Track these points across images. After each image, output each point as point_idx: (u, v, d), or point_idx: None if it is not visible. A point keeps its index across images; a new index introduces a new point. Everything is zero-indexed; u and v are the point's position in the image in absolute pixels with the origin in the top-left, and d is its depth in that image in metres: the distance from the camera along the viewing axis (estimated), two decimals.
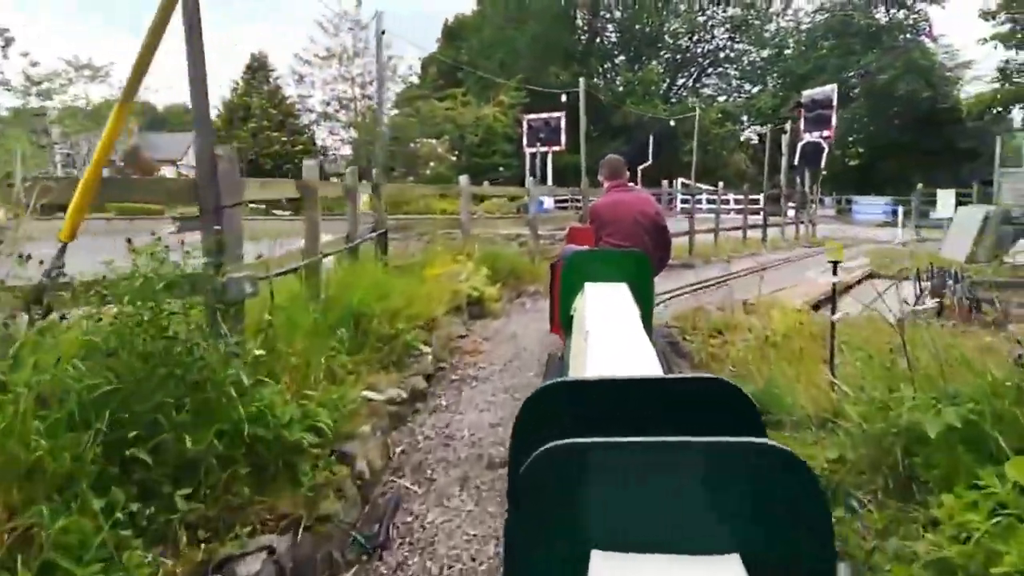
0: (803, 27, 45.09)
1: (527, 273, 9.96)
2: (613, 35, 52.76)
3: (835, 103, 21.68)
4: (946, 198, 20.71)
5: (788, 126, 22.85)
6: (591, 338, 2.67)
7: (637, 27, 50.57)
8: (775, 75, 46.36)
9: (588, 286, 4.07)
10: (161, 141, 55.57)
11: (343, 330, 4.90)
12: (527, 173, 30.21)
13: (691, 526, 1.31)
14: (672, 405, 1.65)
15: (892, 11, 39.69)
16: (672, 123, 43.19)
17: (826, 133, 21.60)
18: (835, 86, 22.30)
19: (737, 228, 18.71)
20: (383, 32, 7.77)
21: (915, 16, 39.28)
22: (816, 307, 10.29)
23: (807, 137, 21.98)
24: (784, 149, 22.32)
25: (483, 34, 47.29)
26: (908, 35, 39.19)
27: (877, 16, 39.34)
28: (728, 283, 12.08)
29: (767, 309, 9.30)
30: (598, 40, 50.91)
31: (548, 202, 28.90)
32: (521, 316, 8.18)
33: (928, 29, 38.67)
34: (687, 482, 1.31)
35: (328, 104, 30.04)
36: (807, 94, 22.49)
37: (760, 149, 47.66)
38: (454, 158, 29.55)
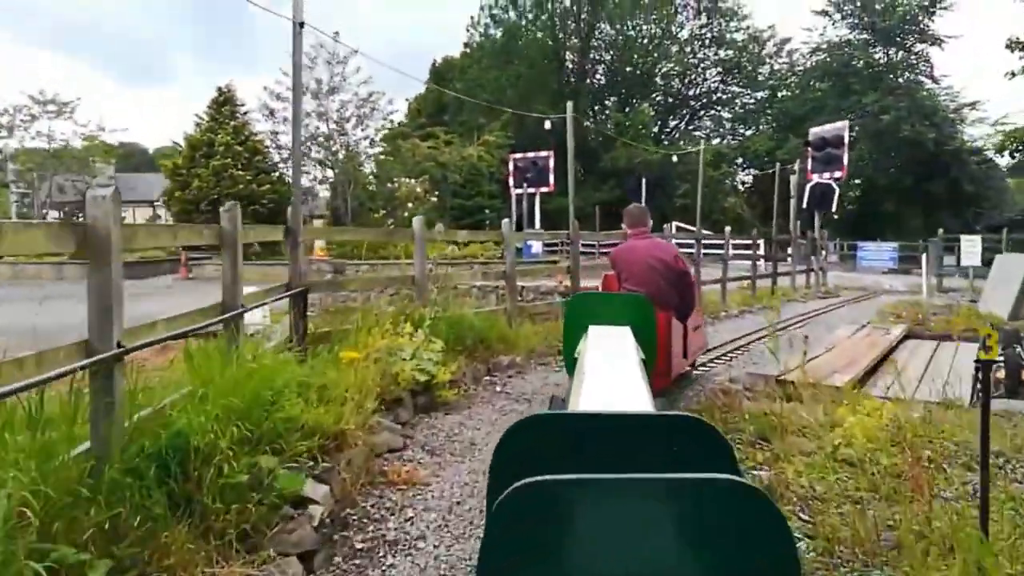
0: (798, 68, 43.89)
1: (500, 341, 7.81)
2: (603, 77, 51.62)
3: (847, 141, 19.87)
4: (971, 245, 18.83)
5: (796, 166, 21.06)
6: (586, 378, 2.67)
7: (628, 69, 49.41)
8: (770, 117, 45.04)
9: (592, 329, 4.04)
10: (138, 182, 53.79)
11: (143, 493, 2.74)
12: (513, 216, 28.40)
13: (661, 561, 1.32)
14: (648, 441, 1.66)
15: (891, 51, 38.50)
16: (664, 163, 41.64)
17: (837, 174, 19.76)
18: (847, 123, 20.51)
19: (744, 278, 16.68)
20: (302, 24, 5.83)
21: (915, 56, 38.09)
22: (863, 380, 8.22)
23: (815, 178, 20.12)
24: (793, 191, 20.48)
25: (469, 75, 45.97)
26: (909, 75, 37.96)
27: (877, 56, 38.09)
28: (750, 348, 9.99)
29: (811, 389, 7.21)
30: (587, 81, 49.67)
31: (536, 247, 26.94)
32: (488, 407, 5.99)
33: (930, 70, 37.51)
34: (656, 518, 1.32)
35: (304, 142, 27.99)
36: (815, 132, 20.70)
37: (755, 192, 46.23)
38: (435, 199, 27.58)
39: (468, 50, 49.67)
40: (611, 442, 1.66)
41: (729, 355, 9.24)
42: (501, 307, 8.75)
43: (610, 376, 2.83)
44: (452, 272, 8.15)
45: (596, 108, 50.42)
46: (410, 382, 5.60)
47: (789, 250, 20.55)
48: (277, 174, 28.31)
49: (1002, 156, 34.34)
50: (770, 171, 24.00)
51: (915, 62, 38.43)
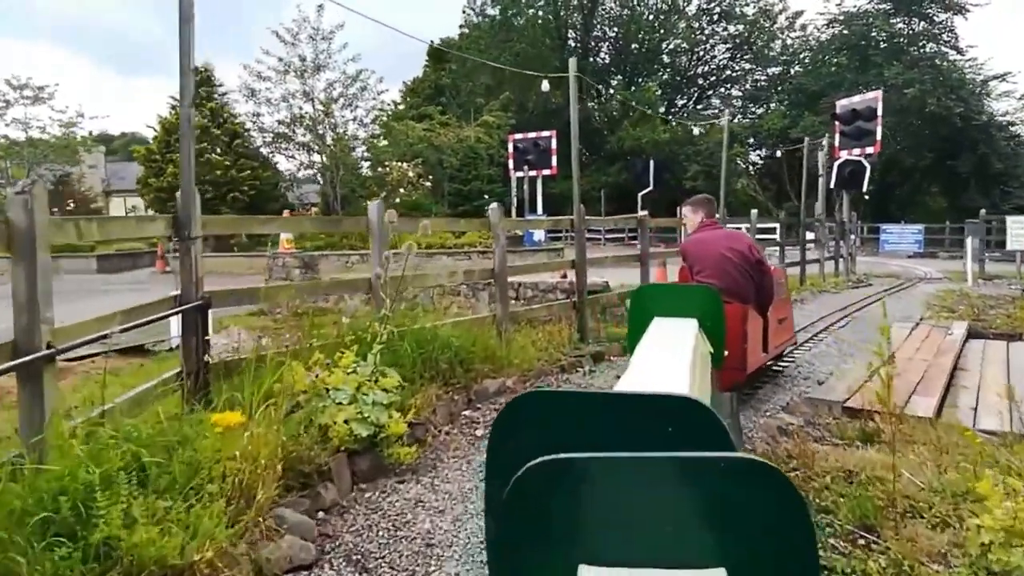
0: (812, 41, 41.66)
1: (487, 360, 6.06)
2: (607, 56, 49.54)
3: (880, 113, 17.96)
4: (1019, 227, 16.95)
5: (824, 142, 19.17)
6: (630, 367, 2.67)
7: (633, 46, 47.35)
8: (784, 94, 42.89)
9: (656, 320, 3.96)
10: (128, 170, 52.24)
11: None
12: (514, 200, 26.59)
13: (678, 540, 1.32)
14: (643, 420, 1.66)
15: (912, 21, 36.26)
16: (672, 145, 39.77)
17: (869, 149, 17.84)
18: (879, 93, 18.52)
19: None
20: None
21: (938, 27, 35.87)
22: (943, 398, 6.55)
23: (844, 155, 18.21)
24: (821, 169, 18.60)
25: (468, 55, 44.03)
26: (932, 46, 35.74)
27: (898, 27, 35.85)
28: (793, 356, 8.25)
29: (895, 422, 5.48)
30: (591, 60, 47.59)
31: (539, 233, 25.16)
32: (461, 469, 4.25)
33: (954, 40, 35.32)
34: (674, 496, 1.32)
35: (289, 125, 26.13)
36: (844, 103, 18.74)
37: (767, 173, 44.23)
38: (428, 184, 25.72)
39: (466, 29, 47.67)
40: (607, 421, 1.66)
41: (769, 366, 7.51)
42: (490, 313, 7.01)
43: (655, 365, 2.79)
44: (427, 271, 6.40)
45: (600, 87, 48.42)
46: (346, 440, 3.88)
47: (809, 235, 18.71)
48: (261, 159, 26.45)
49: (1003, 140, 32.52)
50: (797, 147, 22.06)
51: (938, 32, 36.20)
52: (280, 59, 25.09)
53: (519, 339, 7.20)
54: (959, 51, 35.60)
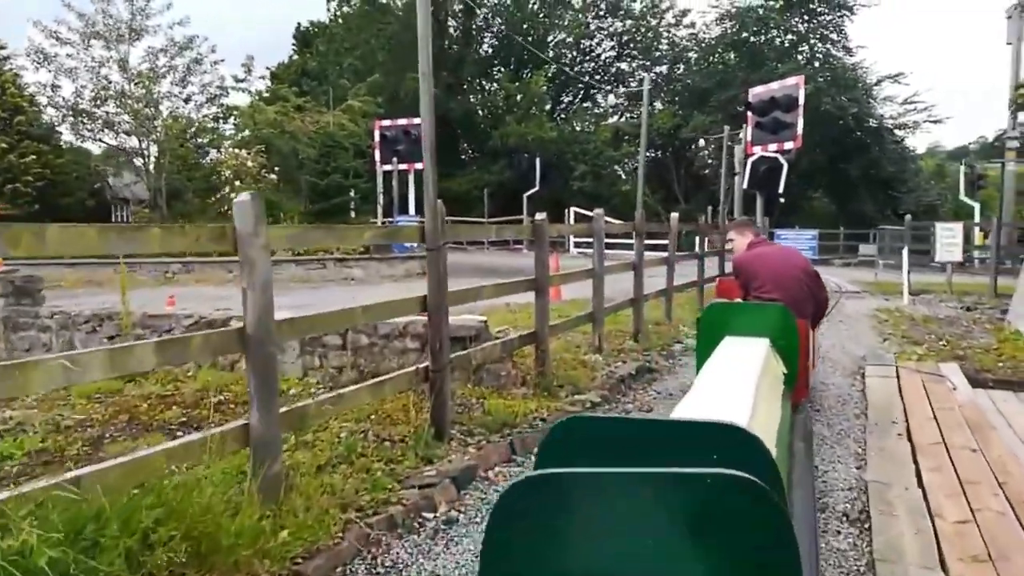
0: (703, 39, 40.16)
1: (210, 555, 2.46)
2: (490, 47, 46.42)
3: (802, 102, 15.64)
4: (949, 235, 15.02)
5: (742, 135, 16.81)
6: (691, 390, 2.59)
7: (517, 37, 44.48)
8: (671, 93, 41.28)
9: (726, 339, 3.89)
10: None
11: None
12: (380, 199, 22.77)
13: (664, 555, 1.29)
14: (688, 448, 1.59)
15: (803, 19, 35.25)
16: (560, 143, 37.16)
17: (788, 145, 15.50)
18: (801, 79, 16.25)
19: (690, 284, 11.97)
20: None
21: (828, 27, 35.03)
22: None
23: (758, 151, 15.81)
24: (737, 166, 16.14)
25: (335, 35, 39.66)
26: (820, 46, 34.89)
27: (792, 23, 34.72)
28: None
29: None
30: (472, 49, 44.27)
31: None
32: None
33: (844, 40, 34.59)
34: (660, 511, 1.30)
35: (95, 100, 20.93)
36: (758, 92, 16.35)
37: (654, 175, 42.55)
38: (274, 176, 21.42)
39: (335, 6, 43.12)
40: (652, 448, 1.60)
41: None
42: (237, 424, 3.36)
43: (717, 388, 2.62)
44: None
45: (482, 80, 45.23)
46: None
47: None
48: (56, 142, 21.15)
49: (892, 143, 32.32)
50: (713, 140, 19.64)
51: (827, 32, 35.42)
52: (82, 15, 20.01)
53: (311, 455, 3.63)
54: (848, 51, 34.98)
